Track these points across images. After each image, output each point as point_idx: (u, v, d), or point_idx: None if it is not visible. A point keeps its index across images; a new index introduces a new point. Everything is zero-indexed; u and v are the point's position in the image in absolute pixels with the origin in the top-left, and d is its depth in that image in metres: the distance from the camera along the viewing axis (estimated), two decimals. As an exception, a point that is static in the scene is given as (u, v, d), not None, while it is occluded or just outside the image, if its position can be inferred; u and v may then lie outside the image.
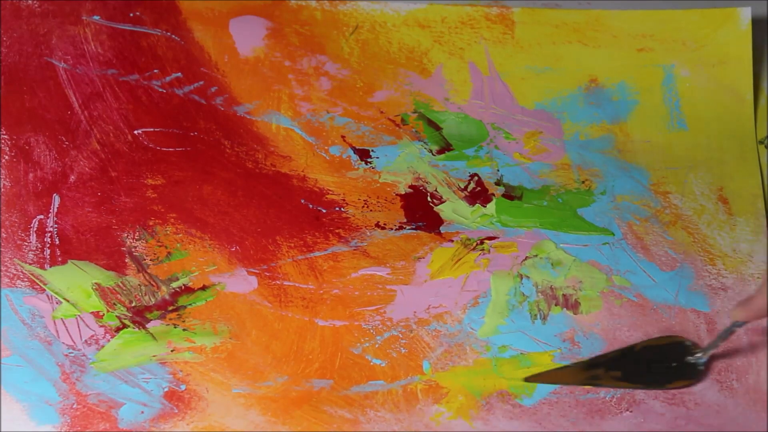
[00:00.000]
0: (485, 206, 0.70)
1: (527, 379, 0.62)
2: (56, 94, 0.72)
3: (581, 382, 0.62)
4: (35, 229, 0.66)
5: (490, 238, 0.68)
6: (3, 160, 0.69)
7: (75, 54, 0.73)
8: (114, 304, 0.64)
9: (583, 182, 0.72)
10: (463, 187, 0.71)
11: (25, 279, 0.64)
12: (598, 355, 0.63)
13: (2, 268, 0.64)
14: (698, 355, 0.61)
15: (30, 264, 0.65)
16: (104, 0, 0.75)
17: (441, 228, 0.69)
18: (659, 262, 0.68)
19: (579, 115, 0.75)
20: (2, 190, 0.67)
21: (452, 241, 0.68)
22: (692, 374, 0.61)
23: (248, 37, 0.76)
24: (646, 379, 0.61)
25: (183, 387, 0.61)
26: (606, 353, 0.63)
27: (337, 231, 0.68)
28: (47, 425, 0.59)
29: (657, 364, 0.62)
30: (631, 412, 0.61)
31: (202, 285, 0.65)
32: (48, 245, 0.66)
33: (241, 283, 0.65)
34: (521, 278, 0.66)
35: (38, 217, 0.67)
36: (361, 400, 0.61)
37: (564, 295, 0.66)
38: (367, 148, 0.72)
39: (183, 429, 0.59)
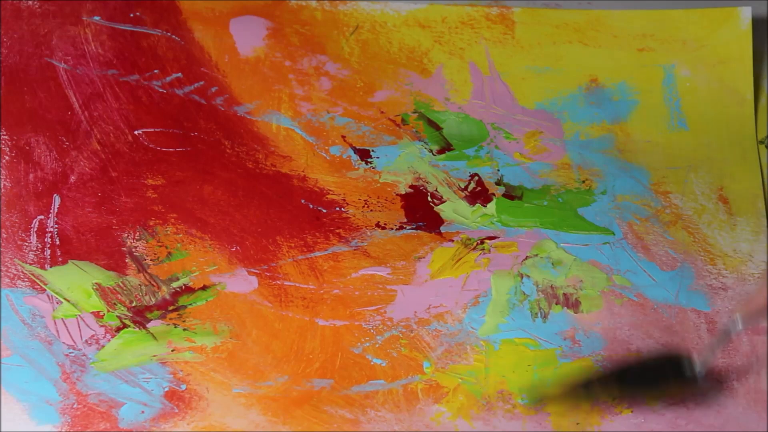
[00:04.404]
0: (485, 206, 0.70)
1: (530, 400, 0.62)
2: (56, 95, 0.72)
3: (579, 399, 0.62)
4: (36, 229, 0.66)
5: (491, 238, 0.68)
6: (3, 161, 0.69)
7: (75, 54, 0.74)
8: (114, 304, 0.64)
9: (583, 182, 0.72)
10: (463, 187, 0.71)
11: (26, 279, 0.64)
12: (593, 374, 0.63)
13: (3, 268, 0.64)
14: (696, 368, 0.61)
15: (30, 264, 0.65)
16: (104, 0, 0.75)
17: (441, 228, 0.69)
18: (659, 262, 0.68)
19: (579, 114, 0.75)
20: (3, 190, 0.67)
21: (452, 240, 0.68)
22: (689, 383, 0.61)
23: (248, 37, 0.76)
24: (641, 392, 0.61)
25: (183, 387, 0.61)
26: (600, 372, 0.63)
27: (337, 231, 0.68)
28: (47, 425, 0.59)
29: (653, 379, 0.61)
30: (631, 412, 0.61)
31: (202, 285, 0.65)
32: (48, 245, 0.66)
33: (241, 283, 0.65)
34: (522, 277, 0.66)
35: (39, 217, 0.67)
36: (361, 400, 0.61)
37: (564, 294, 0.66)
38: (367, 148, 0.72)
39: (183, 429, 0.59)
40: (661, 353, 0.62)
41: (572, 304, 0.65)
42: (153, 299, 0.64)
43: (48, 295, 0.63)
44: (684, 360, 0.61)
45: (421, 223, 0.69)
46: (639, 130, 0.74)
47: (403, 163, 0.72)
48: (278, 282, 0.66)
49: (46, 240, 0.66)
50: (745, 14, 0.76)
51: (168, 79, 0.74)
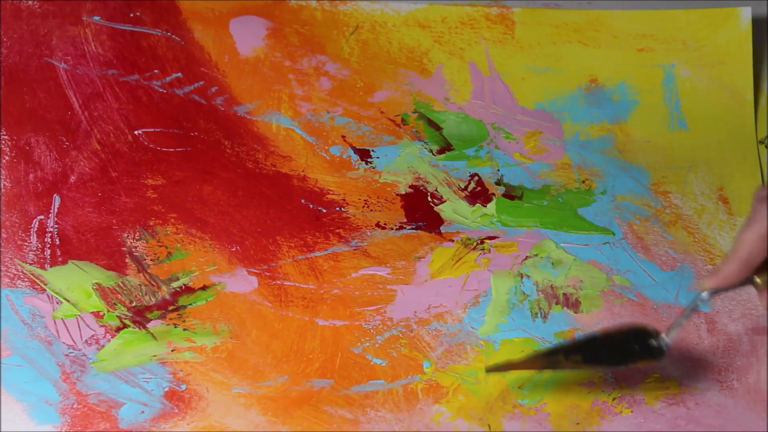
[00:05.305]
0: (485, 206, 0.70)
1: (488, 370, 0.60)
2: (56, 95, 0.72)
3: (541, 368, 0.60)
4: (36, 229, 0.66)
5: (491, 238, 0.68)
6: (3, 161, 0.69)
7: (75, 54, 0.74)
8: (114, 304, 0.64)
9: (583, 182, 0.72)
10: (463, 186, 0.71)
11: (26, 279, 0.64)
12: (559, 344, 0.61)
13: (3, 268, 0.64)
14: (662, 336, 0.59)
15: (30, 264, 0.65)
16: (104, 0, 0.75)
17: (441, 228, 0.69)
18: (659, 262, 0.68)
19: (579, 115, 0.75)
20: (3, 190, 0.67)
21: (452, 240, 0.68)
22: (656, 354, 0.58)
23: (248, 37, 0.76)
24: (607, 361, 0.58)
25: (183, 387, 0.61)
26: (567, 342, 0.61)
27: (337, 231, 0.68)
28: (47, 425, 0.59)
29: (619, 346, 0.58)
30: (631, 412, 0.61)
31: (202, 285, 0.65)
32: (48, 245, 0.66)
33: (241, 283, 0.65)
34: (522, 277, 0.66)
35: (39, 217, 0.67)
36: (361, 400, 0.61)
37: (564, 294, 0.66)
38: (367, 148, 0.72)
39: (183, 429, 0.59)
40: (628, 325, 0.60)
41: (572, 304, 0.65)
42: (153, 299, 0.64)
43: (48, 295, 0.63)
44: (650, 332, 0.59)
45: (421, 223, 0.69)
46: (639, 130, 0.74)
47: (403, 163, 0.72)
48: (278, 282, 0.66)
49: (46, 240, 0.66)
50: (745, 14, 0.76)
51: (168, 79, 0.74)
